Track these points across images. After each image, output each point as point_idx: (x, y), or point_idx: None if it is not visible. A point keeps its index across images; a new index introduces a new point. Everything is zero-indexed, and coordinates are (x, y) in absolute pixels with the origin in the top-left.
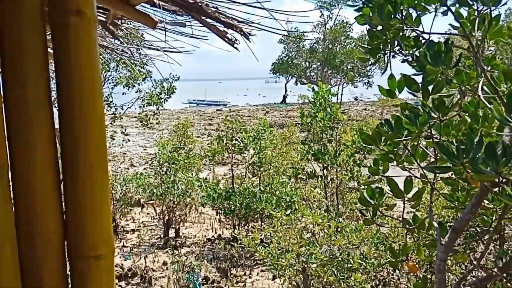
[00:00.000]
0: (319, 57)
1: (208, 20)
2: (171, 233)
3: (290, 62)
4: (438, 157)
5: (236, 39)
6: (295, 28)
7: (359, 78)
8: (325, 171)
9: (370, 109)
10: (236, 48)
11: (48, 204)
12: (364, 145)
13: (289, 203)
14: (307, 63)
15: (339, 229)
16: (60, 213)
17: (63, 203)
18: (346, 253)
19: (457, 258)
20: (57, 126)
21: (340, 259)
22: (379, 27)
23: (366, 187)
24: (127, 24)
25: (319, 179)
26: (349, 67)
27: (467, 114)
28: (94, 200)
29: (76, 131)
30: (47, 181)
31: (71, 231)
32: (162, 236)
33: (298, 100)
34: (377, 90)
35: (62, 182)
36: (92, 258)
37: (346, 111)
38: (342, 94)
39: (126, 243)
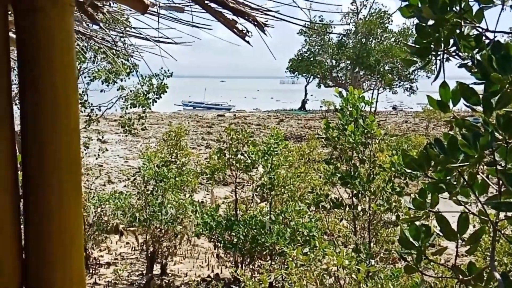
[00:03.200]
0: (349, 54)
1: (213, 5)
2: (156, 269)
3: (312, 59)
4: (502, 190)
5: (247, 31)
6: (319, 17)
7: (399, 82)
8: (354, 199)
9: (412, 122)
10: (247, 42)
11: (4, 241)
12: (406, 169)
13: (307, 238)
14: (334, 61)
15: (370, 274)
16: (19, 252)
17: (23, 240)
18: None
19: None
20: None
21: None
22: (431, 22)
23: (409, 224)
24: (110, 6)
25: (347, 209)
26: (386, 68)
27: None
28: (64, 235)
29: (45, 145)
30: (2, 210)
31: (33, 276)
32: (144, 272)
33: (320, 106)
34: (421, 98)
35: (23, 212)
36: None
37: (382, 123)
38: (377, 102)
39: (99, 279)
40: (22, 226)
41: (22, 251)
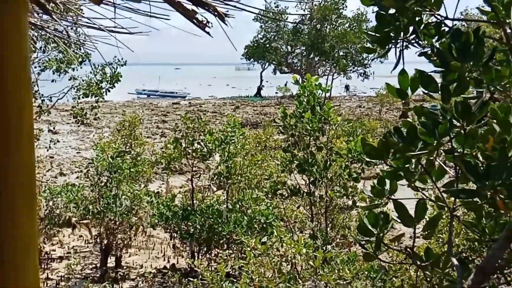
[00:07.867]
0: (304, 40)
1: None
2: (111, 262)
3: (267, 45)
4: (459, 175)
5: (208, 21)
6: (275, 4)
7: (353, 68)
8: (311, 186)
9: (366, 106)
10: (207, 33)
11: None
12: (362, 156)
13: (264, 225)
14: (289, 47)
15: (327, 259)
16: None
17: None
18: None
19: None
20: None
21: None
22: (391, 10)
23: (367, 212)
24: None
25: (304, 195)
26: (341, 53)
27: (495, 121)
28: (17, 245)
29: None
30: None
31: None
32: (98, 266)
33: (276, 92)
34: (375, 83)
35: None
36: None
37: (337, 108)
38: (331, 87)
39: (51, 274)
40: None
41: None
